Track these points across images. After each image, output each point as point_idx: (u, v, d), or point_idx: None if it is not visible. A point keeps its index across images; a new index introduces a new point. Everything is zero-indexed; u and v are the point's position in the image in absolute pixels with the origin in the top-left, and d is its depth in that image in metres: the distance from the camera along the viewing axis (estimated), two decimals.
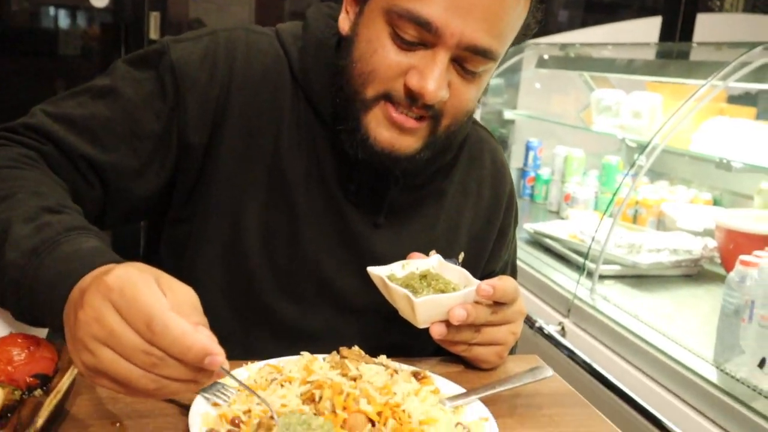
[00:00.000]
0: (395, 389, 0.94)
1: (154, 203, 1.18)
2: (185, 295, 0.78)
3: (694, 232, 2.82)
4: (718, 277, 2.62)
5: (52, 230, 0.89)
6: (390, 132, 1.10)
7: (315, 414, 0.87)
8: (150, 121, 1.12)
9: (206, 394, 0.95)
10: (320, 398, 0.88)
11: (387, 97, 1.08)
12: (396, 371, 1.05)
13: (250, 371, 1.04)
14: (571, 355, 2.18)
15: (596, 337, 2.22)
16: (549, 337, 2.26)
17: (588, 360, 2.14)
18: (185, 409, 0.95)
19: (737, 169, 2.46)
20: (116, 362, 0.74)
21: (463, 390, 1.04)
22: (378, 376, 0.99)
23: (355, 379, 0.97)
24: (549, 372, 1.06)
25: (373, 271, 1.13)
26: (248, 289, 1.19)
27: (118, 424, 0.92)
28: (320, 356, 1.08)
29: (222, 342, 0.76)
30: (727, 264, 2.51)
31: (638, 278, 2.54)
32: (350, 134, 1.12)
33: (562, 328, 2.32)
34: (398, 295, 1.09)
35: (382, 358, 1.08)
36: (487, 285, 1.06)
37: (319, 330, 1.22)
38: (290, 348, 1.11)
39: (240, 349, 1.10)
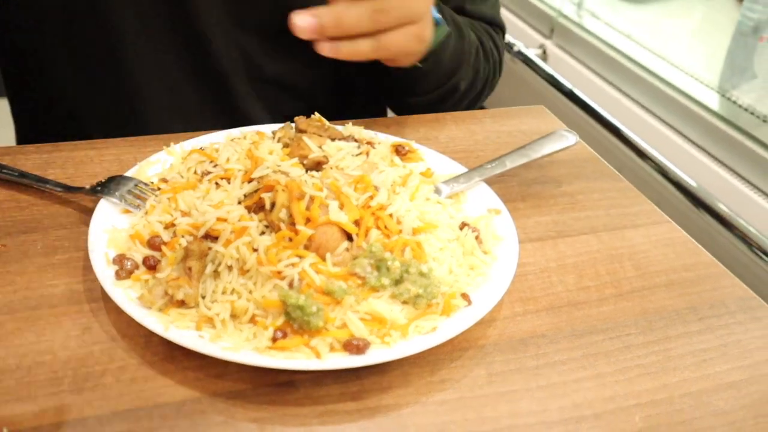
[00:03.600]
0: (376, 179, 0.68)
1: None
2: None
3: None
4: None
5: None
6: None
7: (265, 228, 0.62)
8: None
9: (112, 198, 0.68)
10: (272, 206, 0.61)
11: None
12: (372, 144, 0.78)
13: (173, 156, 0.76)
14: (554, 81, 1.93)
15: (582, 60, 1.96)
16: (528, 62, 1.99)
17: (572, 87, 1.89)
18: (84, 216, 0.69)
19: None
20: None
21: (462, 168, 0.79)
22: (350, 159, 0.72)
23: (318, 165, 0.71)
24: (572, 139, 0.81)
25: None
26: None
27: None
28: (269, 129, 0.80)
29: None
30: None
31: None
32: None
33: (544, 51, 2.04)
34: None
35: (351, 127, 0.81)
36: None
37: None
38: None
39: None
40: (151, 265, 0.60)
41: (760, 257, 1.45)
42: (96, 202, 0.68)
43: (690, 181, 1.61)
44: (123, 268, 0.60)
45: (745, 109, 1.60)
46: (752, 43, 1.58)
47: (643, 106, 1.78)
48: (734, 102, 1.63)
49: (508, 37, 1.95)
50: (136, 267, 0.60)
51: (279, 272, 0.57)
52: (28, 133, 1.01)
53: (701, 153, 1.65)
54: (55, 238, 0.67)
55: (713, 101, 1.67)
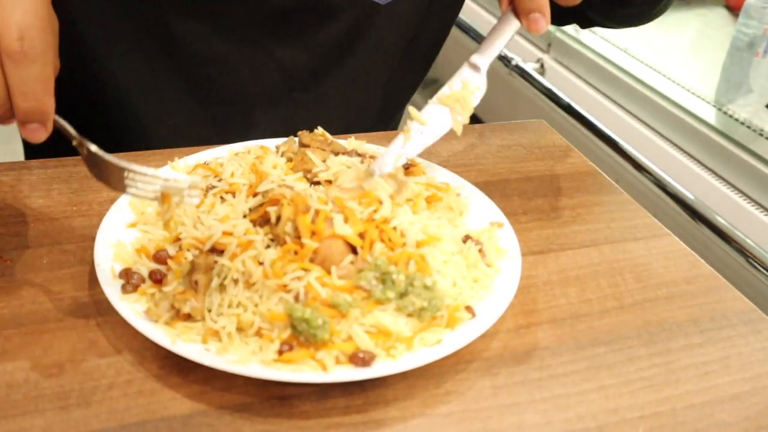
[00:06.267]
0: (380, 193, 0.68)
1: None
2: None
3: None
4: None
5: None
6: None
7: (271, 241, 0.62)
8: None
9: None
10: (278, 219, 0.62)
11: None
12: (374, 159, 0.78)
13: (178, 170, 0.76)
14: (551, 95, 1.94)
15: (579, 74, 1.97)
16: (526, 76, 2.00)
17: (569, 101, 1.90)
18: (89, 231, 0.69)
19: None
20: None
21: (463, 181, 0.79)
22: (353, 172, 0.73)
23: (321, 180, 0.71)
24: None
25: None
26: None
27: None
28: (272, 143, 0.81)
29: None
30: None
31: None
32: None
33: (541, 66, 2.05)
34: None
35: (353, 141, 0.81)
36: None
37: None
38: None
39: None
40: (158, 279, 0.61)
41: (758, 270, 1.45)
42: (101, 217, 0.68)
43: (688, 194, 1.62)
44: (129, 282, 0.60)
45: (742, 123, 1.61)
46: (748, 58, 1.59)
47: (640, 120, 1.80)
48: (731, 116, 1.64)
49: (505, 51, 1.97)
50: (143, 281, 0.61)
51: (285, 285, 0.58)
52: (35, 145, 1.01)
53: (698, 166, 1.66)
54: (61, 252, 0.68)
55: (710, 115, 1.68)
